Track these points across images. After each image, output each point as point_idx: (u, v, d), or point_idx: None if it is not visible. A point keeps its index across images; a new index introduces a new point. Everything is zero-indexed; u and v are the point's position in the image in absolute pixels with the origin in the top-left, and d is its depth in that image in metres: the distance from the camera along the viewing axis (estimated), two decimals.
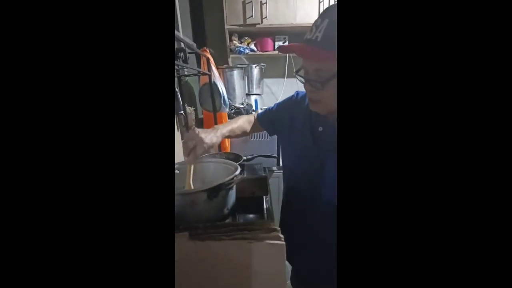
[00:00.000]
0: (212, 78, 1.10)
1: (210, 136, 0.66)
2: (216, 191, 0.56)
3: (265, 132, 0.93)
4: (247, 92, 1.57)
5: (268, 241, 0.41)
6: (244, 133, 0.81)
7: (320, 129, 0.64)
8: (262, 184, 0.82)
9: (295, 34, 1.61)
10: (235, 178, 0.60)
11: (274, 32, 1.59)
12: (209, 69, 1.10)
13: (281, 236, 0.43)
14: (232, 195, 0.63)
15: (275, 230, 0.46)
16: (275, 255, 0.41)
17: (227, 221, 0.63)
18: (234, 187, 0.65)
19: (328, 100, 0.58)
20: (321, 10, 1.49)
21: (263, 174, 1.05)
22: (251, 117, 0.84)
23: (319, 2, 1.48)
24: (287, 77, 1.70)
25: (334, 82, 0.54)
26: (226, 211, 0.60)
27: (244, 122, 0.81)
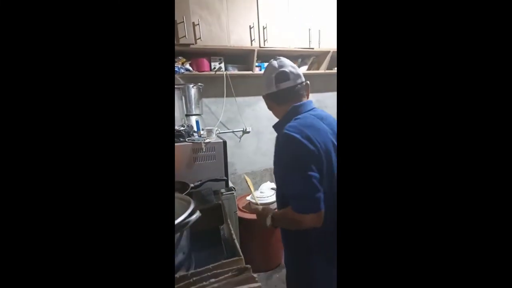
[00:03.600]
0: None
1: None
2: None
3: (210, 154, 1.15)
4: (186, 113, 1.48)
5: (242, 287, 0.36)
6: None
7: None
8: (216, 213, 0.76)
9: (230, 55, 1.65)
10: (192, 214, 0.52)
11: (210, 53, 1.59)
12: None
13: (255, 276, 0.38)
14: (188, 235, 0.55)
15: (246, 269, 0.41)
16: None
17: (183, 267, 0.54)
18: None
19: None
20: (252, 36, 1.60)
21: (215, 201, 0.98)
22: None
23: (250, 28, 1.58)
24: (226, 96, 1.71)
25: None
26: (182, 255, 0.52)
27: None
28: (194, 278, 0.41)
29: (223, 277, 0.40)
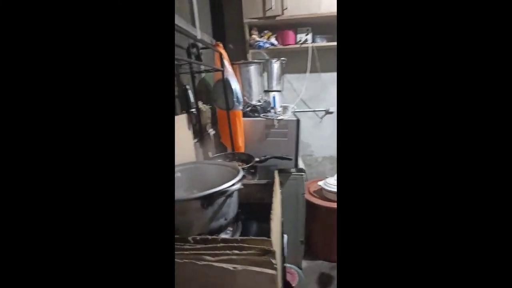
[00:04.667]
0: (225, 74, 1.05)
1: None
2: (211, 199, 0.50)
3: (282, 131, 1.10)
4: (266, 88, 1.49)
5: (255, 269, 0.34)
6: None
7: None
8: (268, 190, 0.75)
9: (318, 25, 1.48)
10: (235, 184, 0.54)
11: (296, 24, 1.48)
12: (222, 65, 1.06)
13: (274, 262, 0.35)
14: (232, 203, 0.58)
15: (269, 252, 0.39)
16: (263, 286, 0.34)
17: (226, 231, 0.58)
18: (236, 194, 0.60)
19: None
20: None
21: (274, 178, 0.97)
22: None
23: None
24: (310, 72, 1.59)
25: None
26: (223, 221, 0.55)
27: None
28: (221, 244, 0.42)
29: (246, 252, 0.40)
